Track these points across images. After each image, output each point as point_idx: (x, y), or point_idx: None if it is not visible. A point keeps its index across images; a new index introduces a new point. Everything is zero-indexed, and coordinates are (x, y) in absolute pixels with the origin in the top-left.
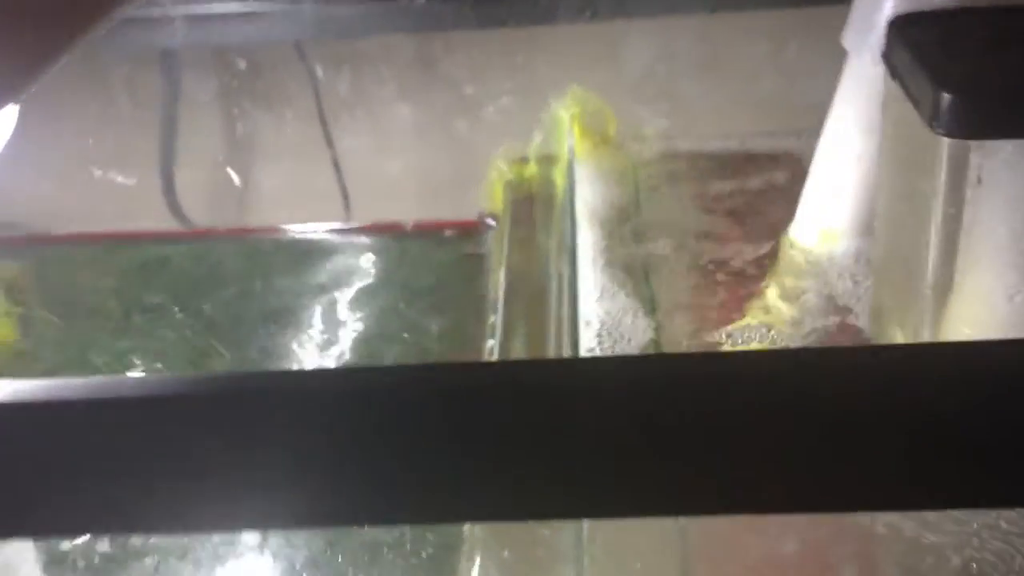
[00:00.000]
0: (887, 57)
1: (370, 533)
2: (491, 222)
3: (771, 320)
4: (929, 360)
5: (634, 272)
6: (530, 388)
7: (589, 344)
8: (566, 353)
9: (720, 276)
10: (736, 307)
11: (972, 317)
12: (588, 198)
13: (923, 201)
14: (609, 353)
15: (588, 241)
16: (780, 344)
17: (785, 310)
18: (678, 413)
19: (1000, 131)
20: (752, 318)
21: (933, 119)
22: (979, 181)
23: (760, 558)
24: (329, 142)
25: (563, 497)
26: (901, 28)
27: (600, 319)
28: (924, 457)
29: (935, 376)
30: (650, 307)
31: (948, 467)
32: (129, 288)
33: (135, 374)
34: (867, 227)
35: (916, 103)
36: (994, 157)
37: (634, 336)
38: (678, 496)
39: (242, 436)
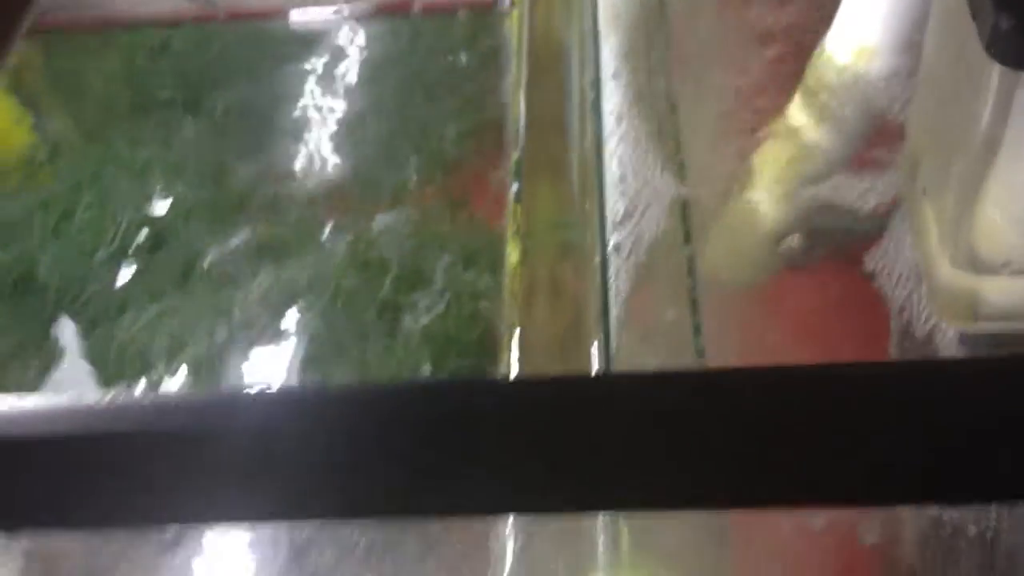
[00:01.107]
0: None
1: None
2: (505, 3)
3: (798, 142)
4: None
5: (658, 98)
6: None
7: (612, 179)
8: (590, 188)
9: (751, 89)
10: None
11: (1006, 208)
12: (611, 7)
13: (968, 98)
14: (633, 186)
15: (612, 51)
16: (802, 173)
17: (813, 130)
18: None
19: None
20: (777, 138)
21: (989, 43)
22: None
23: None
24: None
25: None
26: None
27: (624, 151)
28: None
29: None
30: (674, 136)
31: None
32: (137, 82)
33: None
34: (906, 46)
35: (973, 12)
36: None
37: (659, 161)
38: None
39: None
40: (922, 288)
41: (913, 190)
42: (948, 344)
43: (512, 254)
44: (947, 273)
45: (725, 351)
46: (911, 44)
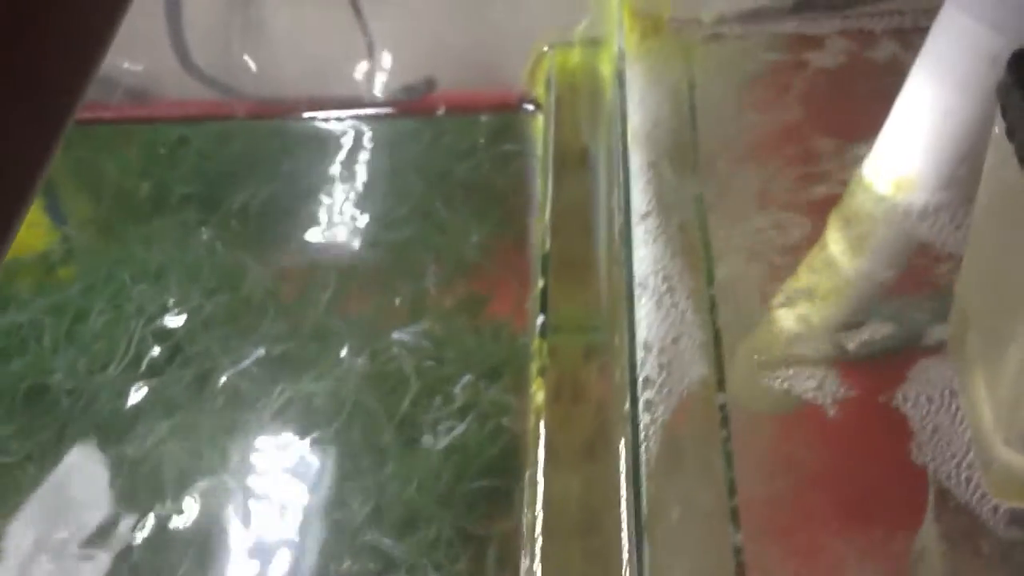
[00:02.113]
0: (1003, 97)
1: None
2: (529, 107)
3: (833, 271)
4: None
5: (688, 224)
6: None
7: (645, 317)
8: (620, 319)
9: (782, 214)
10: (797, 255)
11: None
12: (638, 112)
13: (1018, 268)
14: (664, 325)
15: (639, 167)
16: (840, 304)
17: (849, 260)
18: None
19: None
20: (811, 271)
21: None
22: None
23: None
24: (358, 14)
25: None
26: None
27: (655, 282)
28: None
29: None
30: (706, 263)
31: None
32: (154, 178)
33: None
34: (949, 180)
35: None
36: None
37: (691, 296)
38: None
39: None
40: (967, 452)
41: (963, 354)
42: (991, 514)
43: (537, 377)
44: (1001, 452)
45: (753, 478)
46: (954, 179)
